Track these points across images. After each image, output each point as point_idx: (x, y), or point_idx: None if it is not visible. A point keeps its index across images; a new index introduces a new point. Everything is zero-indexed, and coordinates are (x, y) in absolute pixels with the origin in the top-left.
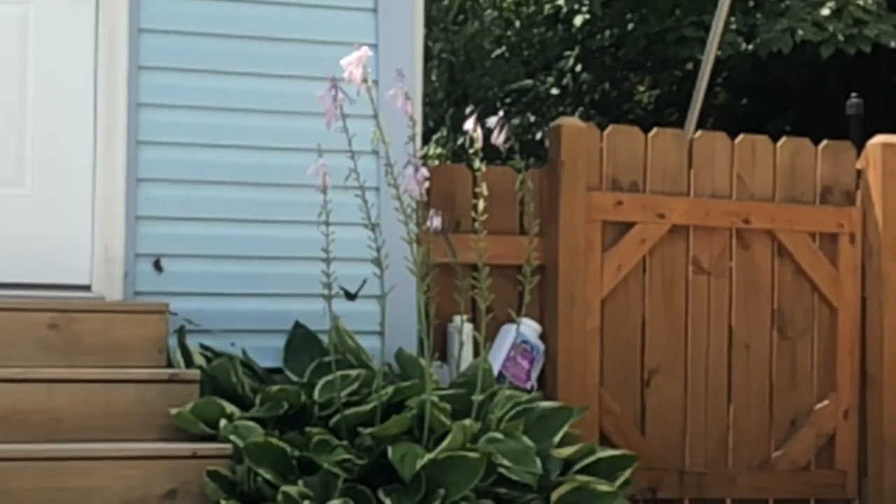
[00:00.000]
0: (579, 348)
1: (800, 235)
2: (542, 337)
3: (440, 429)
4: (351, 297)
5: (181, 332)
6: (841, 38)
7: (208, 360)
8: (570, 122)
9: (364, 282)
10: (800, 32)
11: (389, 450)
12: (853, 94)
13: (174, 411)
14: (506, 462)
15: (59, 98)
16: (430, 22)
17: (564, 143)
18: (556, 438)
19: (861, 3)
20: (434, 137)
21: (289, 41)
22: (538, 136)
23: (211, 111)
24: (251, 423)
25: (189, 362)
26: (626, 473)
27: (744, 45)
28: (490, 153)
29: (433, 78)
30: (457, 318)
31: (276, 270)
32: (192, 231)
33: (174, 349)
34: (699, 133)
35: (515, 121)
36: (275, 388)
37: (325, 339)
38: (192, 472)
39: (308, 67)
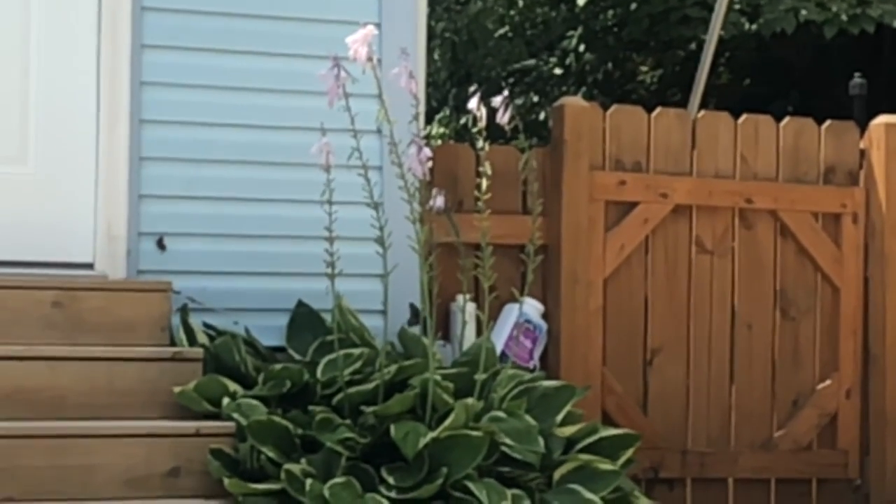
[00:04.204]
0: (582, 328)
1: (803, 215)
2: (545, 316)
3: (443, 407)
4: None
5: (184, 311)
6: (844, 18)
7: (211, 338)
8: (574, 102)
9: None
10: (803, 12)
11: (392, 428)
12: (857, 74)
13: (177, 389)
14: (508, 441)
15: (62, 76)
16: (432, 1)
17: (567, 123)
18: (559, 417)
19: None
20: (437, 117)
21: (292, 20)
22: (541, 116)
23: (214, 90)
24: (254, 402)
25: (192, 341)
26: (629, 453)
27: (747, 26)
28: (493, 133)
29: (436, 58)
30: (459, 298)
31: (279, 249)
32: (195, 210)
33: (177, 327)
34: (702, 113)
35: (518, 101)
36: (278, 366)
37: (328, 317)
38: (195, 451)
39: (312, 46)
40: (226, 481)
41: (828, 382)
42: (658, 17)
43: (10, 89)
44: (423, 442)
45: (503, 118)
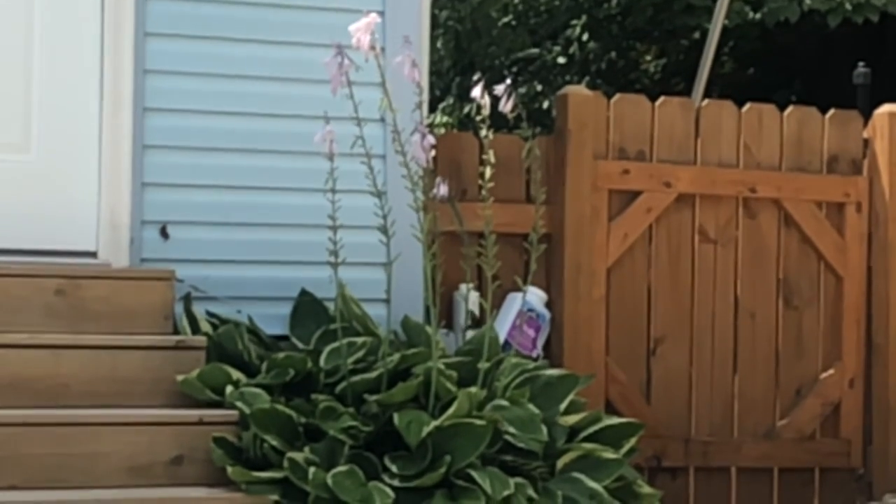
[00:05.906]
0: (585, 317)
1: (806, 204)
2: (548, 305)
3: (446, 396)
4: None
5: (187, 299)
6: (848, 6)
7: (214, 326)
8: (577, 91)
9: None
10: (807, 1)
11: (395, 417)
12: (860, 64)
13: (180, 378)
14: (512, 429)
15: (65, 64)
16: None
17: (571, 112)
18: (562, 406)
19: None
20: (440, 106)
21: (295, 8)
22: (544, 104)
23: (218, 78)
24: (257, 390)
25: (195, 329)
26: (632, 441)
27: (751, 14)
28: (496, 121)
29: (439, 46)
30: (463, 286)
31: (282, 237)
32: (198, 198)
33: (180, 316)
34: (706, 102)
35: (522, 90)
36: (281, 354)
37: (331, 306)
38: (198, 439)
39: (315, 34)
40: (229, 469)
41: (831, 372)
42: (662, 5)
43: (13, 78)
44: (426, 430)
45: (506, 107)
